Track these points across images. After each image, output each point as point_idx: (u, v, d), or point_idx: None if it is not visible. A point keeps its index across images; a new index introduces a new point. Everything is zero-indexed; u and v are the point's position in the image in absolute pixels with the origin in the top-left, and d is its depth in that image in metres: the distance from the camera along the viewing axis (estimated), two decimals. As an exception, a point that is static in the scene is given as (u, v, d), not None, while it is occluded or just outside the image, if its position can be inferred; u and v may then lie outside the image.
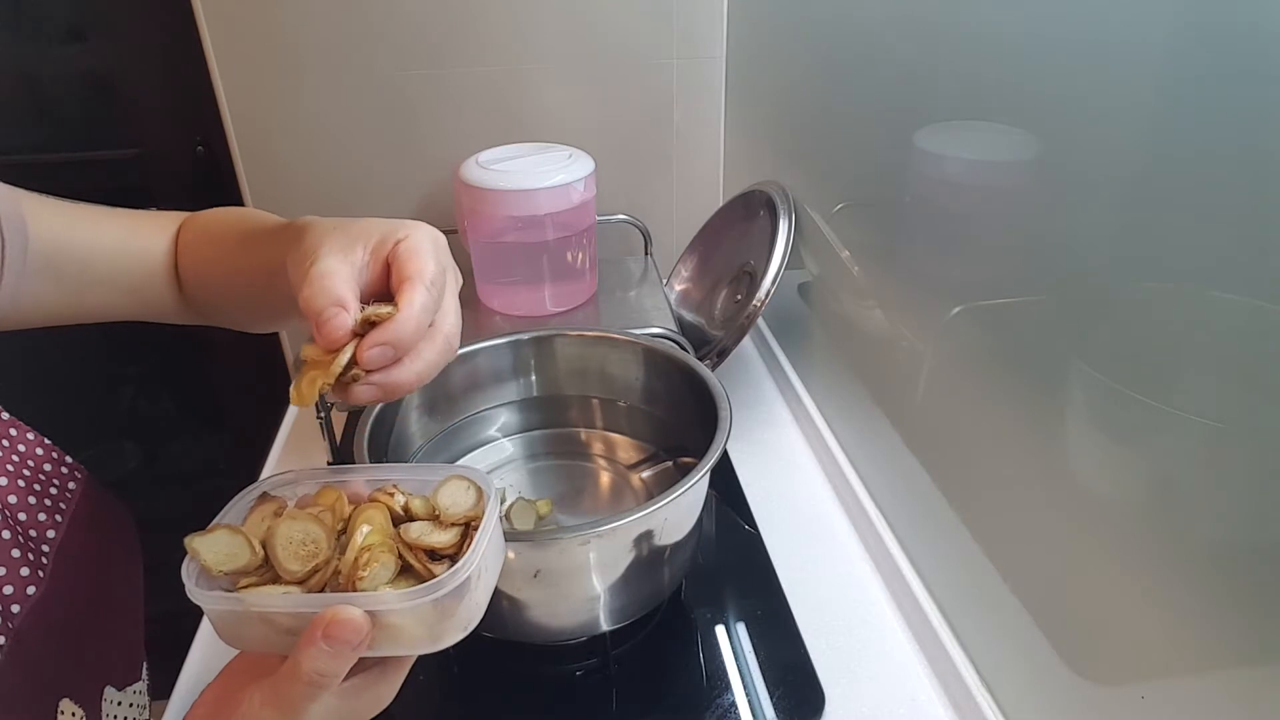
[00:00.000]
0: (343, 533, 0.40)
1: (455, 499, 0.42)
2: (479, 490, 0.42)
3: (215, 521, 0.40)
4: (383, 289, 0.40)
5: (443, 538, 0.40)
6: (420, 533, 0.40)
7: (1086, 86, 0.44)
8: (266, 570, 0.39)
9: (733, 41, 1.09)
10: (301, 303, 0.38)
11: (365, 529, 0.39)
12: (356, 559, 0.38)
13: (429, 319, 0.39)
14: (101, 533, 0.50)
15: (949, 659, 0.61)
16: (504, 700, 0.63)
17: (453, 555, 0.40)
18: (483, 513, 0.40)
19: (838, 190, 0.82)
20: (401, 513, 0.42)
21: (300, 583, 0.38)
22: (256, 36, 1.02)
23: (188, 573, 0.38)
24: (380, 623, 0.36)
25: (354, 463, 0.59)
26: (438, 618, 0.38)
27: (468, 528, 0.40)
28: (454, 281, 0.42)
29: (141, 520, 0.56)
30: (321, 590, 0.38)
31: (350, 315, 0.37)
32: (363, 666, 0.37)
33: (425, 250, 0.39)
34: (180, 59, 1.05)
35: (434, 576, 0.37)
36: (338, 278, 0.38)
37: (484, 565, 0.39)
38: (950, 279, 0.61)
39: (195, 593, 0.37)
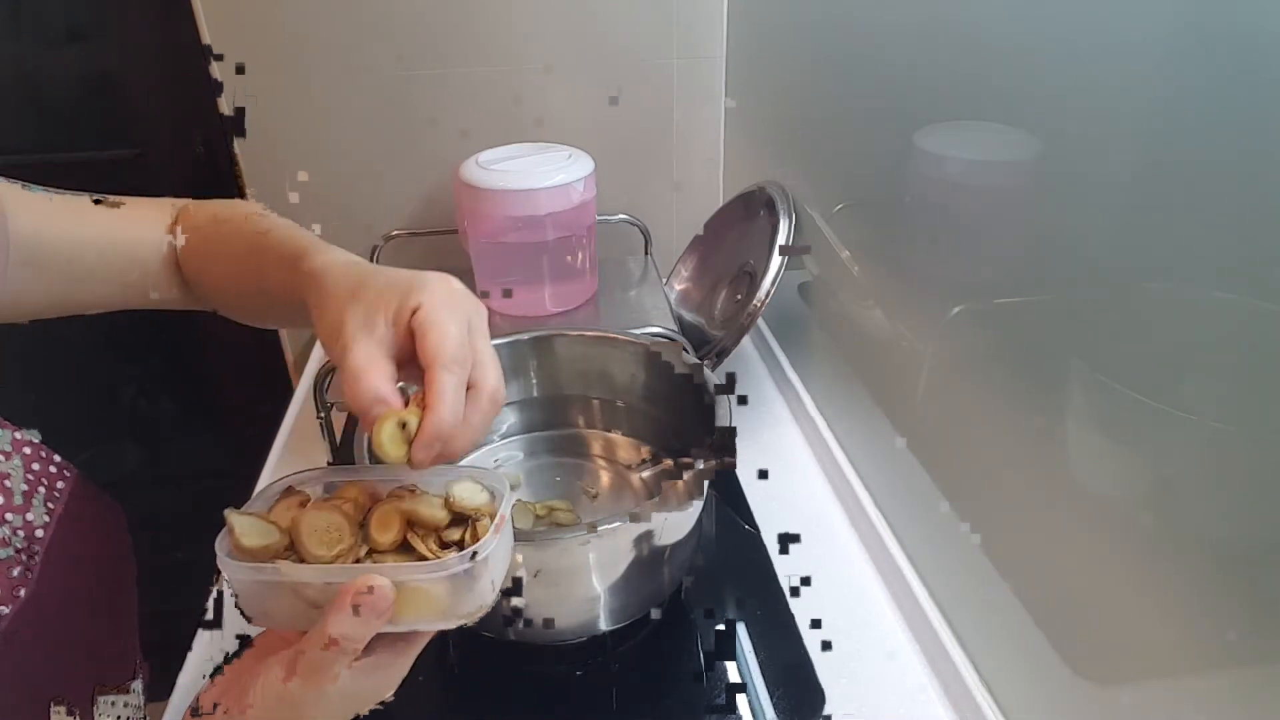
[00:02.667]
0: (363, 525, 0.42)
1: (470, 495, 0.43)
2: (491, 492, 0.44)
3: (244, 508, 0.42)
4: (411, 352, 0.41)
5: (454, 533, 0.42)
6: (434, 520, 0.41)
7: (1086, 86, 0.44)
8: (291, 556, 0.41)
9: (733, 41, 1.09)
10: (348, 401, 0.40)
11: (387, 524, 0.41)
12: (376, 546, 0.40)
13: (462, 395, 0.40)
14: (92, 532, 0.50)
15: (949, 659, 0.61)
16: (504, 700, 0.63)
17: (461, 545, 0.41)
18: (496, 510, 0.42)
19: (838, 190, 0.82)
20: (419, 510, 0.43)
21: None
22: (257, 36, 1.02)
23: (221, 544, 0.39)
24: (402, 591, 0.38)
25: (354, 464, 0.59)
26: (453, 594, 0.40)
27: (476, 526, 0.42)
28: (481, 326, 0.43)
29: (141, 520, 0.56)
30: None
31: (393, 404, 0.39)
32: (374, 648, 0.39)
33: (440, 322, 0.40)
34: (180, 59, 1.04)
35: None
36: (371, 374, 0.39)
37: (497, 554, 0.41)
38: (950, 279, 0.61)
39: (228, 563, 0.39)
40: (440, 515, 0.42)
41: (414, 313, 0.40)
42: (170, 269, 0.56)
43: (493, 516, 0.41)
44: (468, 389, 0.40)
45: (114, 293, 0.55)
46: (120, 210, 0.55)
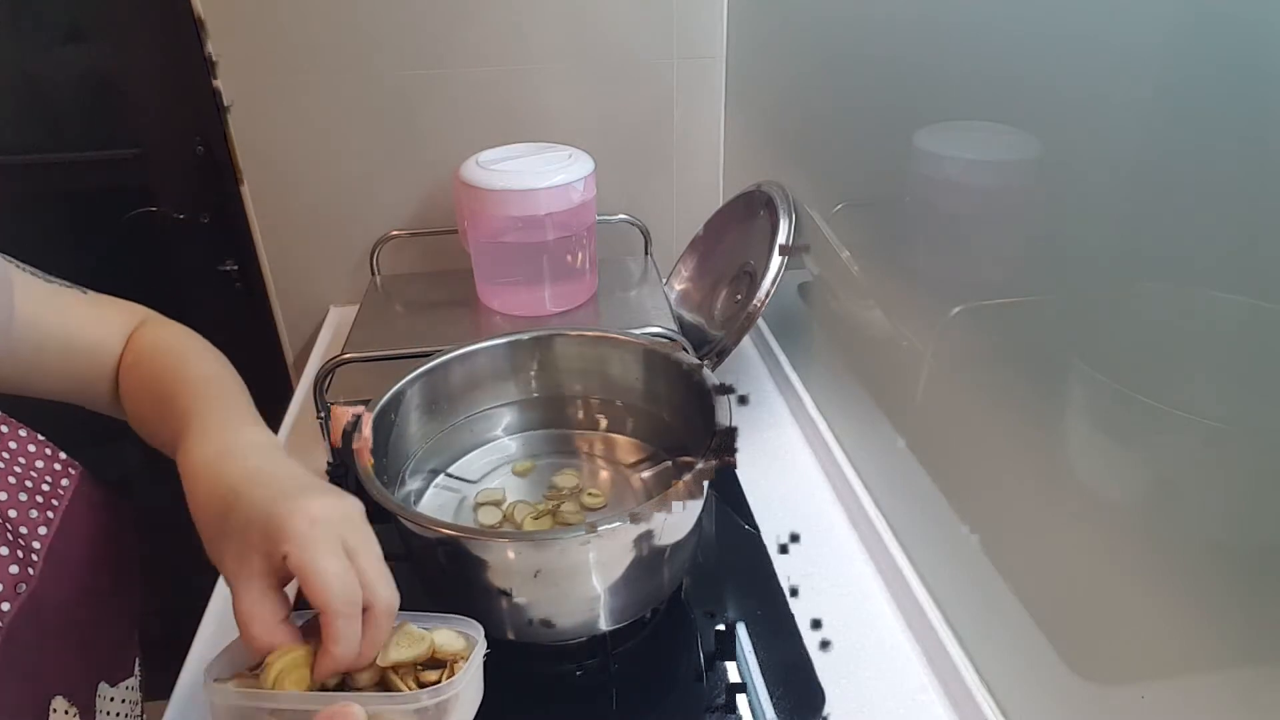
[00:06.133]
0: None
1: (448, 642, 0.47)
2: (466, 638, 0.48)
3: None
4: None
5: (431, 675, 0.46)
6: (406, 658, 0.45)
7: (1086, 86, 0.44)
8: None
9: (733, 41, 1.09)
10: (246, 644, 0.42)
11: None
12: (355, 684, 0.44)
13: (356, 631, 0.41)
14: (96, 529, 0.50)
15: (949, 659, 0.61)
16: (504, 700, 0.62)
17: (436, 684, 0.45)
18: (470, 654, 0.47)
19: (838, 190, 0.82)
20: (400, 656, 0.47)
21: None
22: (256, 37, 1.02)
23: (211, 668, 0.43)
24: None
25: (352, 464, 0.59)
26: None
27: (452, 667, 0.46)
28: (360, 541, 0.43)
29: (142, 520, 0.56)
30: None
31: (286, 641, 0.42)
32: None
33: (315, 568, 0.40)
34: (180, 59, 1.05)
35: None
36: (256, 623, 0.41)
37: (465, 694, 0.45)
38: (950, 279, 0.61)
39: (212, 688, 0.42)
40: (417, 652, 0.45)
41: (285, 558, 0.40)
42: (113, 379, 0.58)
43: (468, 660, 0.46)
44: (363, 610, 0.41)
45: (63, 386, 0.57)
46: (93, 309, 0.57)
